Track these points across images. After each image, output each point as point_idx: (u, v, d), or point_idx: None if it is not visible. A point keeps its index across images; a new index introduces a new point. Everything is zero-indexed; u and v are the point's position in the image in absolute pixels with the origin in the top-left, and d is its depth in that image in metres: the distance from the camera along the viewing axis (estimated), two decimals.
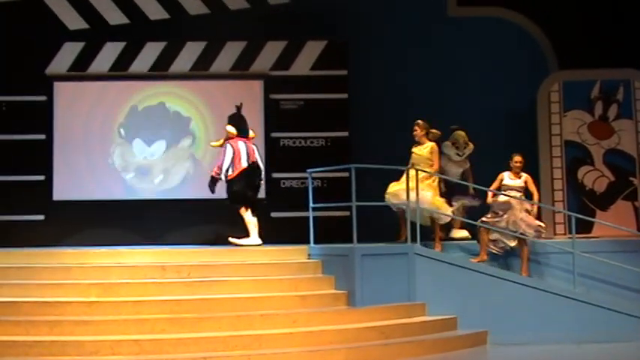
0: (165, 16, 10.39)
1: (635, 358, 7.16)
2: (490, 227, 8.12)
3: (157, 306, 6.86)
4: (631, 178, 9.94)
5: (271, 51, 10.37)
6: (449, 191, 8.66)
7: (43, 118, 10.13)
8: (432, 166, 8.36)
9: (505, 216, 8.12)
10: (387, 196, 8.32)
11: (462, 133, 8.76)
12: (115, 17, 10.33)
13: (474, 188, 8.71)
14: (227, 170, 8.69)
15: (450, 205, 8.44)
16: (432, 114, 10.03)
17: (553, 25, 10.38)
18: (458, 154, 8.77)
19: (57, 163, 10.15)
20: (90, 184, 10.16)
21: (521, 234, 8.08)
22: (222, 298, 7.12)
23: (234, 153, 8.67)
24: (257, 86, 10.39)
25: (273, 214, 9.86)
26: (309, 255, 8.06)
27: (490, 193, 8.31)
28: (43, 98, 10.19)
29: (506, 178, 8.34)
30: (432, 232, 8.33)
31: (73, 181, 10.14)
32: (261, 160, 9.06)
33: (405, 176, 7.99)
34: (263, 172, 9.01)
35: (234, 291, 7.26)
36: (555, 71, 10.32)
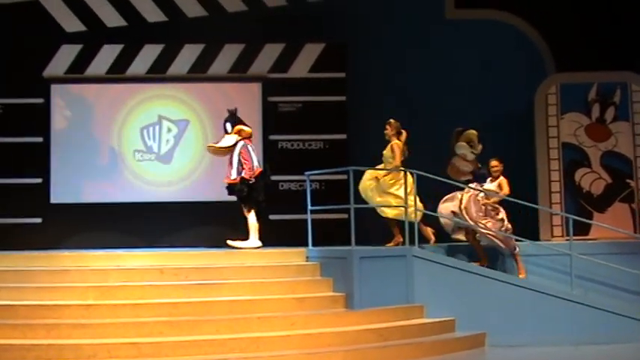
0: (163, 18, 10.39)
1: None
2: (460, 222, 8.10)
3: (155, 309, 6.85)
4: (628, 181, 9.95)
5: (269, 53, 10.38)
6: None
7: (40, 120, 10.13)
8: (391, 163, 8.44)
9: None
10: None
11: (474, 132, 8.76)
12: (113, 20, 10.34)
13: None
14: (239, 171, 8.47)
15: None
16: (430, 116, 10.10)
17: (550, 27, 10.40)
18: (473, 153, 8.76)
19: (54, 166, 10.15)
20: (87, 187, 10.15)
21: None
22: (220, 300, 7.11)
23: (240, 148, 8.49)
24: (255, 89, 10.40)
25: (272, 217, 9.85)
26: (307, 257, 8.06)
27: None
28: (40, 101, 10.19)
29: (487, 182, 8.37)
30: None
31: (71, 183, 10.14)
32: None
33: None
34: None
35: (232, 293, 7.25)
36: (552, 74, 10.34)
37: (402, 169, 8.34)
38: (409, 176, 8.14)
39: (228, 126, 8.67)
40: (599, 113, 10.07)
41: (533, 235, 9.32)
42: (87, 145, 10.24)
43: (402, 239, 8.29)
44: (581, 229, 9.21)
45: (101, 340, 6.36)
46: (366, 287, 7.32)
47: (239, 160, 8.50)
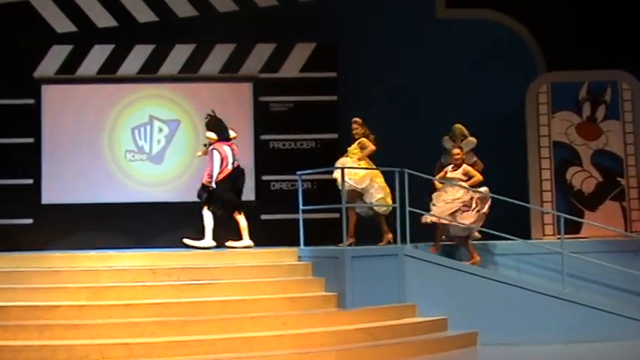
0: (154, 18, 10.37)
1: (624, 357, 7.19)
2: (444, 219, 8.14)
3: (147, 309, 6.84)
4: (619, 179, 9.98)
5: (260, 53, 10.37)
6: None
7: (31, 121, 10.09)
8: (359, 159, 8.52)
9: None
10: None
11: (459, 125, 8.77)
12: (103, 20, 10.30)
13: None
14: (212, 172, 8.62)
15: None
16: (422, 115, 10.11)
17: (541, 26, 10.42)
18: (454, 147, 8.77)
19: (45, 166, 10.12)
20: (79, 188, 10.12)
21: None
22: (212, 300, 7.10)
23: (222, 158, 8.64)
24: (246, 89, 10.39)
25: (263, 217, 9.85)
26: (299, 257, 8.06)
27: (436, 182, 8.43)
28: (31, 101, 10.16)
29: (450, 170, 8.44)
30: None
31: (62, 184, 10.11)
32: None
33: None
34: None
35: (224, 294, 7.25)
36: (543, 72, 10.37)
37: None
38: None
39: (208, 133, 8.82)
40: (590, 112, 10.10)
41: (525, 233, 9.35)
42: (78, 146, 10.21)
43: (391, 236, 8.32)
44: (573, 228, 9.24)
45: (93, 341, 6.36)
46: (357, 287, 7.33)
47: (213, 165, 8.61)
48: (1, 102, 10.04)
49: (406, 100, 10.27)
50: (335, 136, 10.25)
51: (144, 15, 10.34)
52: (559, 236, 8.41)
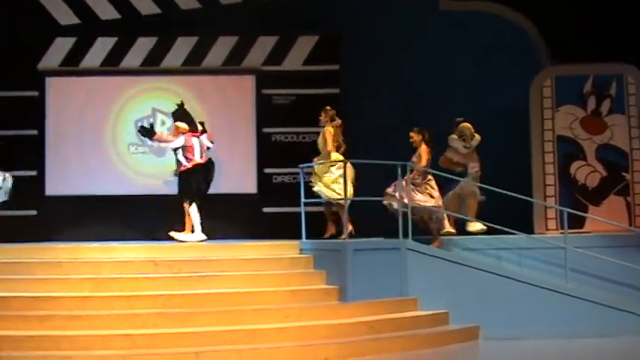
0: (157, 10, 10.35)
1: (627, 352, 7.17)
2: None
3: (149, 301, 6.86)
4: (623, 174, 9.93)
5: (263, 46, 10.35)
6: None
7: (35, 113, 10.10)
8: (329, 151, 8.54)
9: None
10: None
11: (467, 125, 8.76)
12: (107, 12, 10.30)
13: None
14: (179, 163, 8.77)
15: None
16: (425, 108, 10.07)
17: (545, 19, 10.36)
18: (465, 147, 8.78)
19: (49, 158, 10.14)
20: (82, 179, 10.13)
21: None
22: (214, 293, 7.12)
23: (185, 144, 8.70)
24: (249, 81, 10.37)
25: (265, 210, 9.85)
26: (300, 250, 8.06)
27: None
28: (35, 93, 10.17)
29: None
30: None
31: (66, 176, 10.13)
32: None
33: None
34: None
35: (225, 286, 7.26)
36: (548, 66, 10.32)
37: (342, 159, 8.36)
38: (349, 165, 8.15)
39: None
40: (595, 106, 10.05)
41: (528, 228, 9.31)
42: (82, 138, 10.23)
43: (335, 231, 8.32)
44: (576, 222, 9.19)
45: (96, 332, 6.39)
46: (359, 280, 7.33)
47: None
48: (5, 94, 10.05)
49: (409, 94, 10.23)
50: None
51: (147, 7, 10.33)
52: (562, 231, 8.39)
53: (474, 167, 8.83)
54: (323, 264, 7.69)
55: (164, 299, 6.91)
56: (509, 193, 8.20)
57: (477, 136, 8.84)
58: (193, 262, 7.61)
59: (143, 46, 10.25)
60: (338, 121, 8.70)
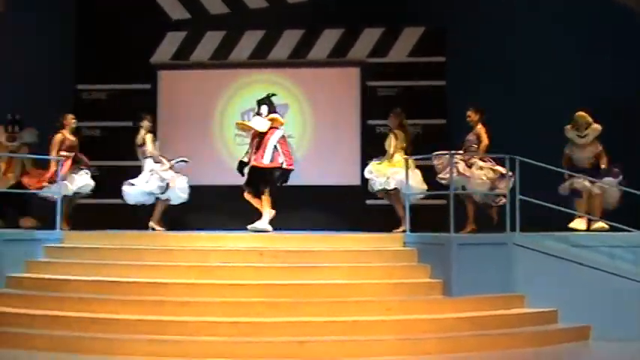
0: (264, 4, 10.53)
1: None
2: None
3: (255, 290, 6.98)
4: None
5: (368, 38, 10.34)
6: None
7: (148, 105, 10.48)
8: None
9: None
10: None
11: (582, 113, 8.41)
12: (216, 7, 10.56)
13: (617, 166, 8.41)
14: (276, 152, 8.55)
15: None
16: (532, 100, 9.78)
17: None
18: (579, 136, 8.44)
19: (161, 150, 10.45)
20: (192, 170, 10.41)
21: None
22: (317, 283, 7.16)
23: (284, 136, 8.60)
24: (354, 73, 10.39)
25: (368, 202, 9.84)
26: (404, 243, 8.00)
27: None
28: (147, 86, 10.56)
29: (470, 135, 8.47)
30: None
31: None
32: None
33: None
34: None
35: (329, 277, 7.29)
36: None
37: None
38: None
39: (264, 109, 8.63)
40: None
41: None
42: (191, 129, 10.53)
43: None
44: None
45: (204, 318, 6.55)
46: (464, 275, 7.21)
47: (275, 148, 8.48)
48: (121, 87, 10.48)
49: (516, 85, 9.96)
50: (443, 121, 10.09)
51: (254, 2, 10.52)
52: None
53: (603, 164, 8.38)
54: (427, 257, 7.60)
55: (269, 288, 7.01)
56: (623, 188, 7.84)
57: (595, 126, 8.43)
58: (297, 252, 7.68)
59: (250, 39, 10.45)
60: (405, 123, 8.73)
